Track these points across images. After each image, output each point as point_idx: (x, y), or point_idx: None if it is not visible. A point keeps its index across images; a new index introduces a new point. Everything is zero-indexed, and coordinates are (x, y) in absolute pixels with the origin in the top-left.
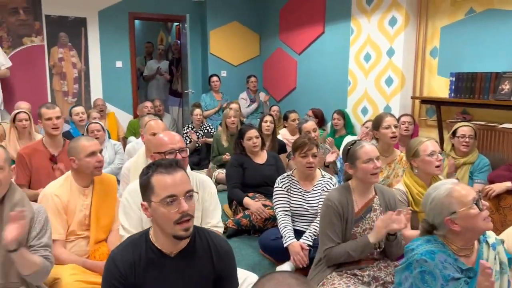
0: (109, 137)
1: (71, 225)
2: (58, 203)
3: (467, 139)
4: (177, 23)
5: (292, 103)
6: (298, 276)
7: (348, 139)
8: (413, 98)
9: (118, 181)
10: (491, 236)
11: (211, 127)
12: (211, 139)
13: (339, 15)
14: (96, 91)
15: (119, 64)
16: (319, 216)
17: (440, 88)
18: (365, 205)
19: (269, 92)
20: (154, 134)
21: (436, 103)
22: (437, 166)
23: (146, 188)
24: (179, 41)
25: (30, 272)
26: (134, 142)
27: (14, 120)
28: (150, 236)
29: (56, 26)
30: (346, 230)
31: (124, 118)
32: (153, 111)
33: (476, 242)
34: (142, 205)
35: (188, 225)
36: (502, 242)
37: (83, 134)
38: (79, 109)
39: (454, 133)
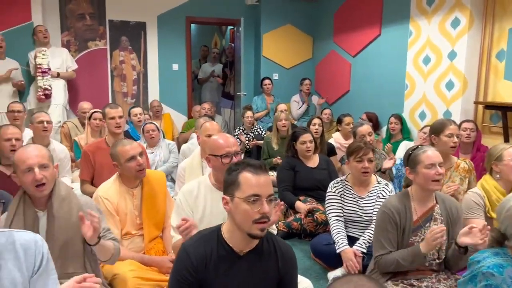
0: (164, 137)
1: (125, 226)
2: (109, 205)
3: None
4: (231, 27)
5: (345, 107)
6: (375, 280)
7: (404, 144)
8: (476, 103)
9: (172, 180)
10: None
11: (262, 129)
12: (261, 142)
13: (397, 16)
14: (153, 93)
15: (175, 66)
16: (373, 223)
17: (507, 92)
18: (424, 213)
19: (321, 95)
20: (209, 136)
21: (502, 109)
22: None
23: (232, 183)
24: (233, 44)
25: (109, 257)
26: (190, 143)
27: (90, 118)
28: (222, 233)
29: (118, 31)
30: (403, 239)
31: (178, 119)
32: (209, 113)
33: None
34: (223, 198)
35: (265, 225)
36: None
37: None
38: (137, 110)
39: None
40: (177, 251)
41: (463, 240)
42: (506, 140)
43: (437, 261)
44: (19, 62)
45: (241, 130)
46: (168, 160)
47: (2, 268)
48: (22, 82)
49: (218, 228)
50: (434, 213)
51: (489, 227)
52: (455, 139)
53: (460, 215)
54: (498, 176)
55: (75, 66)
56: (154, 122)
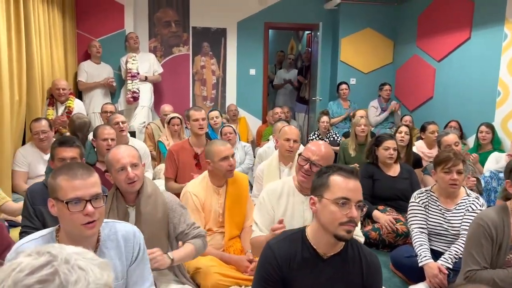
0: (240, 140)
1: (208, 222)
2: (196, 201)
3: None
4: (308, 32)
5: (427, 114)
6: None
7: (495, 156)
8: None
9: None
10: None
11: (337, 135)
12: (337, 147)
13: (490, 18)
14: (231, 97)
15: (252, 71)
16: (461, 238)
17: None
18: None
19: (401, 101)
20: (287, 140)
21: None
22: None
23: (321, 185)
24: (310, 49)
25: (192, 257)
26: (266, 147)
27: (168, 122)
28: (306, 234)
29: (200, 37)
30: (498, 256)
31: (253, 123)
32: (283, 116)
33: None
34: (311, 198)
35: (351, 228)
36: None
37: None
38: (214, 113)
39: None
40: (255, 246)
41: None
42: None
43: None
44: (112, 67)
45: (316, 135)
46: (244, 162)
47: (106, 256)
48: (112, 80)
49: (302, 230)
50: None
51: None
52: None
53: None
54: None
55: (161, 70)
56: (232, 125)
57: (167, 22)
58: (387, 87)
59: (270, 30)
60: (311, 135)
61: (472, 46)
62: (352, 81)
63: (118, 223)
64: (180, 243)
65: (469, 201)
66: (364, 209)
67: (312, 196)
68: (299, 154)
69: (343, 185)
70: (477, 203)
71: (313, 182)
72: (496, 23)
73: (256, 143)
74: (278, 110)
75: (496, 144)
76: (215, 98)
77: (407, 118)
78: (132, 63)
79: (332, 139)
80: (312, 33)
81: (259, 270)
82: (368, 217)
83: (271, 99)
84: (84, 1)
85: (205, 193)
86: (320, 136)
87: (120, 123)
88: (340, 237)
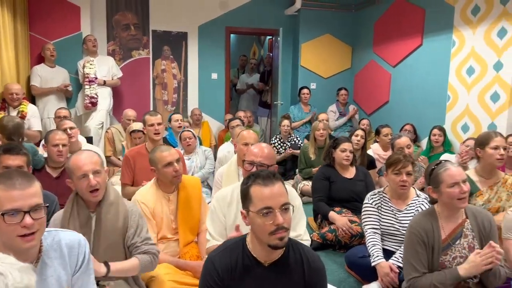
0: (201, 144)
1: (161, 230)
2: (145, 209)
3: None
4: (270, 37)
5: (383, 117)
6: None
7: (446, 157)
8: None
9: (208, 186)
10: None
11: (298, 138)
12: (297, 151)
13: (440, 26)
14: (193, 101)
15: (214, 76)
16: None
17: None
18: (453, 231)
19: (359, 105)
20: (246, 144)
21: None
22: None
23: (245, 197)
24: (271, 54)
25: (135, 273)
26: (226, 151)
27: (130, 133)
28: (247, 243)
29: (160, 40)
30: (433, 259)
31: (216, 127)
32: (245, 121)
33: None
34: (241, 212)
35: (283, 235)
36: None
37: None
38: (178, 116)
39: None
40: None
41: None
42: None
43: (474, 280)
44: (68, 70)
45: (278, 139)
46: (205, 167)
47: (49, 266)
48: (68, 86)
49: (243, 239)
50: (464, 229)
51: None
52: (502, 151)
53: (493, 229)
54: None
55: (120, 74)
56: (191, 130)
57: (126, 25)
58: (343, 91)
59: (232, 35)
60: (272, 139)
61: (424, 52)
62: (313, 85)
63: (62, 232)
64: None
65: (419, 201)
66: (291, 208)
67: (241, 210)
68: (243, 161)
69: (262, 194)
70: (426, 203)
71: (240, 194)
72: (445, 31)
73: (218, 147)
74: (238, 114)
75: (447, 146)
76: (177, 102)
77: (365, 121)
78: (90, 68)
79: (293, 142)
80: (273, 38)
81: (201, 284)
82: (325, 219)
83: (234, 103)
84: (37, 2)
85: (155, 200)
86: (282, 140)
87: (68, 129)
88: (274, 246)
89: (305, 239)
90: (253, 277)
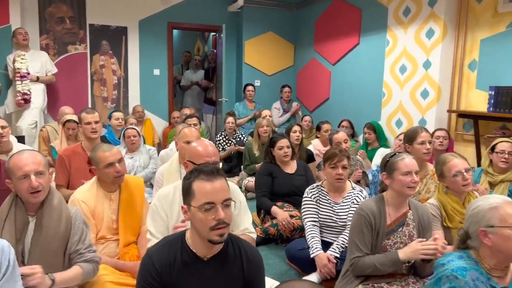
0: (144, 143)
1: (100, 230)
2: (85, 208)
3: (506, 155)
4: (214, 33)
5: (325, 114)
6: (316, 286)
7: (381, 151)
8: (450, 111)
9: (152, 185)
10: None
11: (244, 135)
12: (243, 147)
13: (375, 26)
14: (134, 98)
15: (156, 72)
16: (347, 228)
17: (478, 102)
18: (398, 218)
19: (302, 102)
20: (188, 142)
21: (474, 118)
22: (464, 185)
23: (187, 192)
24: (215, 51)
25: (78, 282)
26: (168, 149)
27: (64, 124)
28: (186, 238)
29: (98, 35)
30: (377, 242)
31: (159, 124)
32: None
33: None
34: (182, 207)
35: (223, 231)
36: None
37: (118, 139)
38: (119, 114)
39: (492, 149)
40: None
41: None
42: (478, 148)
43: (407, 264)
44: None
45: (223, 136)
46: (148, 166)
47: None
48: None
49: (182, 234)
50: (407, 219)
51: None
52: (428, 146)
53: (430, 223)
54: (445, 190)
55: (55, 70)
56: (136, 128)
57: (61, 18)
58: (286, 89)
59: (175, 30)
60: (217, 136)
61: (361, 51)
62: (257, 82)
63: None
64: None
65: (354, 194)
66: (233, 204)
67: (182, 205)
68: (188, 161)
69: (205, 189)
70: (361, 195)
71: (182, 189)
72: (380, 31)
73: (162, 145)
74: (183, 111)
75: (383, 141)
76: (117, 99)
77: (307, 118)
78: (21, 62)
79: (238, 139)
80: (217, 35)
81: (139, 280)
82: (267, 214)
83: (179, 100)
84: None
85: (95, 199)
86: (227, 137)
87: (0, 128)
88: (214, 242)
89: (252, 232)
90: (192, 272)
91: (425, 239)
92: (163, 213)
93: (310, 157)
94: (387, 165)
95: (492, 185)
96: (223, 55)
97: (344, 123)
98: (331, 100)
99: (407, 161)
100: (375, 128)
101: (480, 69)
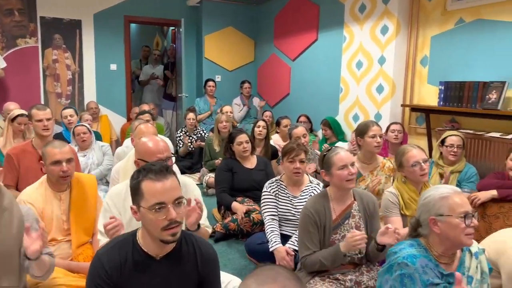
0: (100, 140)
1: (50, 232)
2: (33, 210)
3: (455, 149)
4: (173, 28)
5: (285, 109)
6: (293, 272)
7: (339, 145)
8: (403, 106)
9: (108, 183)
10: (474, 245)
11: (205, 131)
12: (204, 143)
13: (332, 22)
14: (90, 93)
15: (113, 67)
16: None
17: (430, 96)
18: (343, 211)
19: (263, 97)
20: None
21: (426, 111)
22: (422, 175)
23: (135, 193)
24: (174, 45)
25: (44, 272)
26: (124, 146)
27: (13, 120)
28: (137, 238)
29: (50, 28)
30: (324, 238)
31: (117, 121)
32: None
33: (459, 250)
34: (131, 208)
35: (175, 230)
36: (484, 251)
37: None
38: (68, 111)
39: (442, 142)
40: None
41: (382, 239)
42: (429, 140)
43: (359, 255)
44: None
45: (183, 132)
46: (102, 163)
47: None
48: None
49: (133, 234)
50: (352, 210)
51: (389, 226)
52: (378, 139)
53: (376, 210)
54: (403, 180)
55: (4, 65)
56: (85, 124)
57: (9, 10)
58: (246, 84)
59: (133, 24)
60: (178, 132)
61: (319, 47)
62: (218, 78)
63: None
64: None
65: (312, 187)
66: (185, 202)
67: (131, 206)
68: (139, 159)
69: (154, 189)
70: (318, 189)
71: (130, 189)
72: (337, 27)
73: (120, 142)
74: (141, 107)
75: (340, 135)
76: (71, 95)
77: (268, 113)
78: None
79: (199, 135)
80: (176, 29)
81: (89, 282)
82: (227, 209)
83: (138, 95)
84: None
85: (44, 199)
86: (187, 133)
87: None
88: (166, 242)
89: (207, 226)
90: (144, 272)
91: (363, 229)
92: (116, 212)
93: (275, 153)
94: (324, 162)
95: (442, 176)
96: (182, 50)
97: (302, 118)
98: (291, 96)
99: (342, 155)
100: (330, 124)
101: (431, 65)
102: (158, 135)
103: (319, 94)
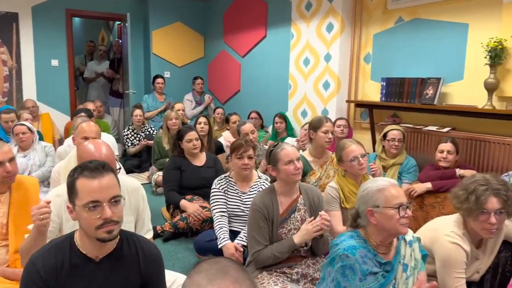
0: (42, 139)
1: None
2: None
3: (396, 143)
4: (119, 22)
5: (236, 106)
6: (240, 264)
7: (288, 140)
8: (348, 101)
9: (50, 184)
10: (409, 234)
11: (153, 128)
12: (152, 142)
13: (280, 19)
14: (29, 91)
15: (54, 62)
16: None
17: (373, 92)
18: (289, 205)
19: (214, 94)
20: (86, 138)
21: (369, 107)
22: (360, 169)
23: (71, 191)
24: (120, 41)
25: None
26: (66, 145)
27: None
28: (75, 239)
29: None
30: (272, 232)
31: (60, 119)
32: (95, 112)
33: (395, 239)
34: (68, 207)
35: (111, 228)
36: (419, 239)
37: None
38: (8, 117)
39: (384, 136)
40: (24, 254)
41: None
42: (373, 135)
43: (305, 248)
44: None
45: (130, 130)
46: (45, 164)
47: None
48: None
49: (71, 236)
50: (298, 204)
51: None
52: (330, 136)
53: (321, 203)
54: (343, 173)
55: None
56: (26, 123)
57: None
58: (199, 80)
59: (76, 18)
60: (125, 130)
61: (268, 44)
62: (167, 74)
63: None
64: None
65: (260, 182)
66: (122, 201)
67: (67, 204)
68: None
69: (89, 187)
70: (267, 184)
71: (66, 187)
72: (285, 24)
73: (64, 141)
74: (85, 105)
75: (290, 131)
76: (9, 92)
77: (219, 110)
78: None
79: (148, 133)
80: (122, 24)
81: None
82: (176, 208)
83: (83, 92)
84: None
85: None
86: (135, 131)
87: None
88: (103, 240)
89: (149, 229)
90: (82, 275)
91: (313, 218)
92: (55, 212)
93: (219, 148)
94: (271, 158)
95: (385, 168)
96: (129, 45)
97: (253, 115)
98: (242, 92)
99: (288, 150)
100: (285, 118)
101: (374, 62)
102: (105, 133)
103: (269, 90)
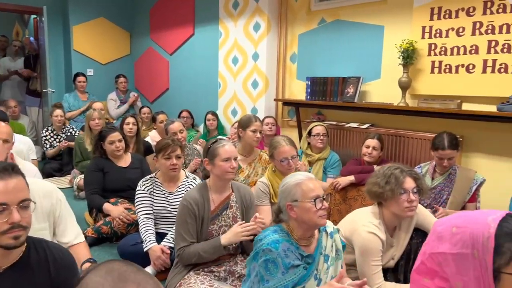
0: None
1: None
2: None
3: (321, 137)
4: (35, 16)
5: (165, 104)
6: (133, 264)
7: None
8: (276, 100)
9: None
10: (330, 226)
11: (75, 129)
12: (73, 143)
13: (208, 17)
14: None
15: None
16: None
17: (299, 91)
18: (221, 202)
19: (142, 92)
20: None
21: (295, 105)
22: (288, 169)
23: None
24: (31, 38)
25: None
26: None
27: None
28: None
29: None
30: (202, 229)
31: None
32: (10, 111)
33: (316, 231)
34: None
35: (18, 233)
36: (339, 231)
37: None
38: None
39: (309, 133)
40: None
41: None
42: (300, 132)
43: (234, 245)
44: None
45: (50, 131)
46: None
47: None
48: None
49: None
50: (230, 201)
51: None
52: (258, 135)
53: (252, 201)
54: (273, 169)
55: None
56: None
57: None
58: (122, 79)
59: None
60: (43, 131)
61: (197, 42)
62: (89, 72)
63: None
64: None
65: (188, 182)
66: (32, 206)
67: None
68: None
69: None
70: (195, 183)
71: None
72: (213, 22)
73: None
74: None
75: (220, 130)
76: None
77: (145, 110)
78: None
79: (69, 134)
80: (38, 18)
81: None
82: (99, 212)
83: None
84: None
85: None
86: (55, 132)
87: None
88: (8, 247)
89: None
90: None
91: (244, 222)
92: None
93: (148, 149)
94: (209, 152)
95: (311, 163)
96: (46, 41)
97: (184, 114)
98: (170, 91)
99: (227, 148)
100: (217, 116)
101: (299, 61)
102: (20, 135)
103: (198, 89)
